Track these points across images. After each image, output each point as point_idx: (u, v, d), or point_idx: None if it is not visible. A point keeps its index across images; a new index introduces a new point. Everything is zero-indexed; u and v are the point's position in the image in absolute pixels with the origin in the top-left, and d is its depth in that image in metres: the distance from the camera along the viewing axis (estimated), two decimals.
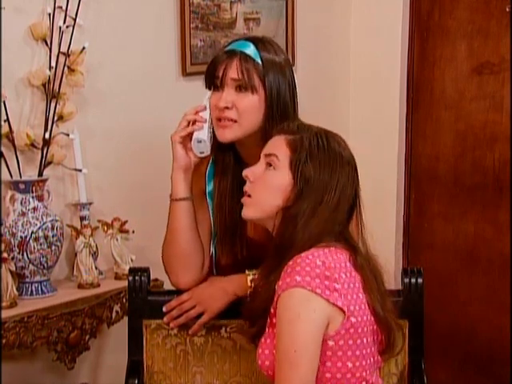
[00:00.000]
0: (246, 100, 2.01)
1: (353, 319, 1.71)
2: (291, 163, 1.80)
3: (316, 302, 1.68)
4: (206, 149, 2.05)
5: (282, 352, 1.69)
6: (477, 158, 3.26)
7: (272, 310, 1.75)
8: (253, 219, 1.88)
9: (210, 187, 2.14)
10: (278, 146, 1.83)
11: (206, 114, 2.05)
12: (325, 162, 1.79)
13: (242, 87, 2.01)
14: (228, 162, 2.11)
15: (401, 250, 3.50)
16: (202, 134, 2.04)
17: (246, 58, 2.01)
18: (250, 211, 1.85)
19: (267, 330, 1.78)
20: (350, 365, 1.73)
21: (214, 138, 2.07)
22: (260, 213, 1.84)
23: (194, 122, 2.05)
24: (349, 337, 1.72)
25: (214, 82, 2.03)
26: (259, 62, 2.01)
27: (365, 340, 1.75)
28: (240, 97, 2.01)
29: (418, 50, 3.39)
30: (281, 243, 1.79)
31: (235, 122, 2.01)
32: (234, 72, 2.00)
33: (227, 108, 2.00)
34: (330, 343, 1.71)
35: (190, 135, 2.05)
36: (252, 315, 1.85)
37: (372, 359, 1.78)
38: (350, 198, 1.82)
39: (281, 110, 2.03)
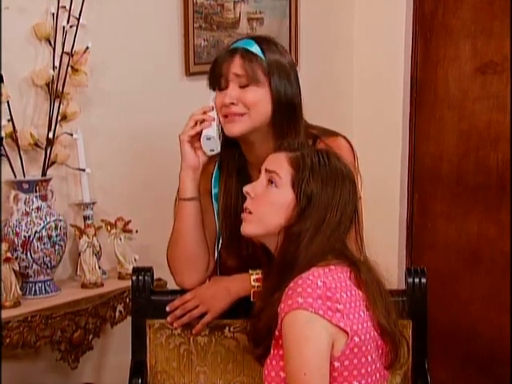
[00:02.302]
0: (251, 93, 2.00)
1: (356, 339, 1.71)
2: (294, 182, 1.79)
3: (320, 324, 1.67)
4: (215, 146, 2.05)
5: (293, 375, 1.68)
6: (480, 158, 3.26)
7: (277, 333, 1.74)
8: (253, 236, 1.87)
9: (215, 190, 2.14)
10: (279, 164, 1.82)
11: (213, 113, 2.05)
12: (327, 180, 1.79)
13: (245, 83, 2.00)
14: (233, 165, 2.11)
15: (404, 250, 3.50)
16: (211, 131, 2.04)
17: (248, 53, 2.00)
18: (250, 228, 1.85)
19: (272, 351, 1.77)
20: None
21: (221, 137, 2.07)
22: (261, 230, 1.83)
23: (202, 121, 2.04)
24: (353, 356, 1.71)
25: (218, 81, 2.03)
26: (263, 59, 2.01)
27: (369, 358, 1.74)
28: (245, 91, 2.00)
29: (421, 50, 3.38)
30: (283, 262, 1.79)
31: (243, 115, 2.00)
32: (236, 67, 2.00)
33: (233, 104, 2.00)
34: (336, 364, 1.70)
35: (199, 135, 2.05)
36: (257, 336, 1.84)
37: (378, 375, 1.78)
38: (351, 214, 1.82)
39: (287, 111, 2.03)
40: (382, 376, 1.80)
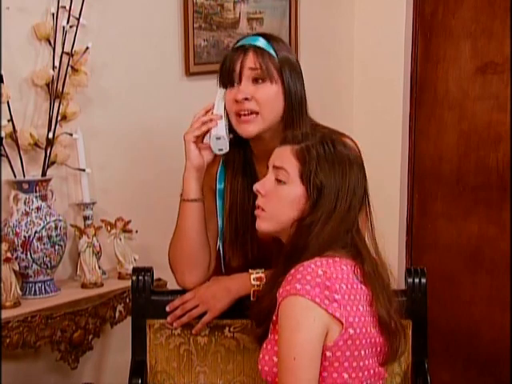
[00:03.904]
0: (264, 90, 2.00)
1: (351, 331, 1.71)
2: (302, 175, 1.80)
3: (315, 312, 1.68)
4: (224, 145, 2.03)
5: (283, 360, 1.69)
6: (480, 158, 3.26)
7: (274, 317, 1.75)
8: (268, 232, 1.88)
9: (220, 186, 2.13)
10: (286, 158, 1.82)
11: (220, 111, 2.02)
12: (334, 168, 1.80)
13: (259, 78, 2.00)
14: (238, 161, 2.11)
15: (404, 250, 3.50)
16: (221, 131, 2.01)
17: (260, 50, 2.01)
18: (265, 225, 1.86)
19: (269, 335, 1.78)
20: (345, 376, 1.73)
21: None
22: (275, 226, 1.84)
23: (210, 121, 2.03)
24: (346, 348, 1.72)
25: (230, 78, 2.02)
26: (274, 55, 2.02)
27: (363, 352, 1.74)
28: (258, 88, 2.00)
29: (421, 50, 3.38)
30: (293, 250, 1.80)
31: (257, 114, 2.00)
32: (251, 62, 2.00)
33: (246, 99, 1.99)
34: (328, 354, 1.71)
35: (203, 134, 2.04)
36: (258, 317, 1.86)
37: (372, 371, 1.78)
38: (360, 198, 1.83)
39: (297, 108, 2.03)
40: (377, 373, 1.80)
